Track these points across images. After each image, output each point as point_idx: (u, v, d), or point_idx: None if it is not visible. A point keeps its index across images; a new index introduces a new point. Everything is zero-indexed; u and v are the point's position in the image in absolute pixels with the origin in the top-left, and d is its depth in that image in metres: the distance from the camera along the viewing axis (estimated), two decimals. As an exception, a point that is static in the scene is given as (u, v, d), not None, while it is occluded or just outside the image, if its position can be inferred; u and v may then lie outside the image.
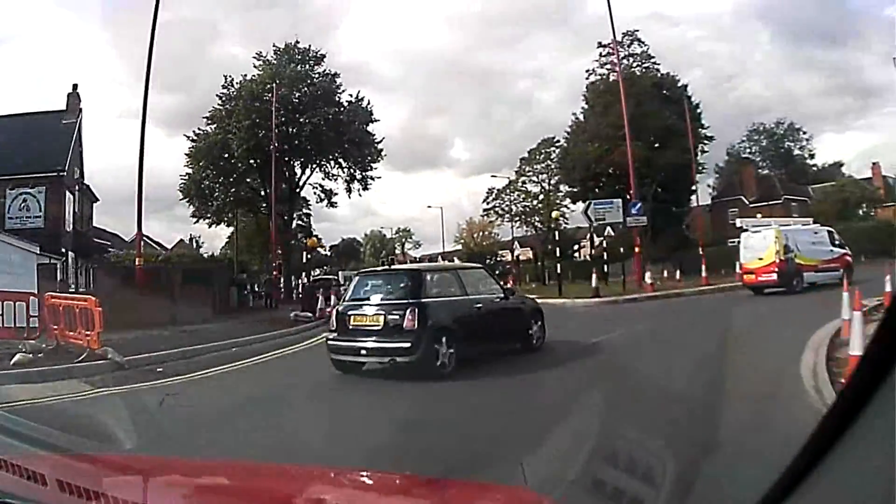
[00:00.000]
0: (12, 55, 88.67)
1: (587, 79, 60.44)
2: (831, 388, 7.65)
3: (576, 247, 67.90)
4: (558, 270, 35.50)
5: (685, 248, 50.31)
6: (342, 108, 52.19)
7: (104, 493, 2.40)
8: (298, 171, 54.67)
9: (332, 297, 33.61)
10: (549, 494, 3.23)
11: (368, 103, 53.90)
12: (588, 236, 62.95)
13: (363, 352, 11.40)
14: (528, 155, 73.21)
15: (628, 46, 56.02)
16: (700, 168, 55.28)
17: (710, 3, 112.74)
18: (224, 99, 51.78)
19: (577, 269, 48.53)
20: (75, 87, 39.60)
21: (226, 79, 52.27)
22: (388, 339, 11.11)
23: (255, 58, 52.96)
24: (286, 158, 50.91)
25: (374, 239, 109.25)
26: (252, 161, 50.08)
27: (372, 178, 55.07)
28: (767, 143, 77.61)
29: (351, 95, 53.56)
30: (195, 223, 55.26)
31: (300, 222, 60.06)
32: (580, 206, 60.01)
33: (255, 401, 10.59)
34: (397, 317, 11.10)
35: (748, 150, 77.57)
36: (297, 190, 55.63)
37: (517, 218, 74.21)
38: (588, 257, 55.52)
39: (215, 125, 51.37)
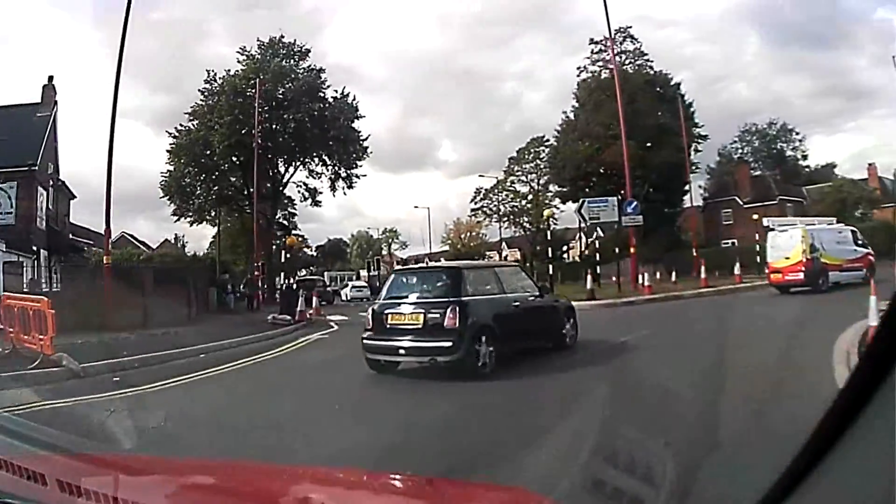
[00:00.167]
0: (4, 55, 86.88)
1: (578, 76, 59.49)
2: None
3: (565, 248, 66.94)
4: (550, 271, 34.25)
5: (677, 250, 49.47)
6: (327, 104, 51.03)
7: (104, 493, 2.35)
8: (282, 168, 53.43)
9: (315, 300, 32.69)
10: (548, 495, 3.29)
11: (354, 99, 52.91)
12: (577, 237, 62.59)
13: (401, 351, 11.17)
14: (517, 154, 72.43)
15: (621, 43, 54.82)
16: (694, 168, 54.48)
17: (698, 5, 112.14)
18: (206, 94, 50.62)
19: (568, 271, 47.57)
20: (51, 78, 38.24)
21: (209, 74, 51.18)
22: (428, 338, 10.87)
23: (238, 52, 51.77)
24: (269, 156, 49.54)
25: (361, 239, 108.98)
26: (234, 158, 48.97)
27: (357, 177, 54.15)
28: (759, 143, 76.91)
29: (336, 91, 52.46)
30: (175, 221, 53.75)
31: (285, 222, 59.05)
32: (570, 206, 59.46)
33: (217, 419, 9.30)
34: (437, 315, 10.83)
35: (740, 151, 77.01)
36: (281, 188, 54.35)
37: (505, 218, 73.42)
38: (577, 258, 54.57)
39: (197, 121, 50.03)
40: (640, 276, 30.03)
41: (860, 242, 26.51)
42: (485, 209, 74.81)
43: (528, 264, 66.92)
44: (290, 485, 3.20)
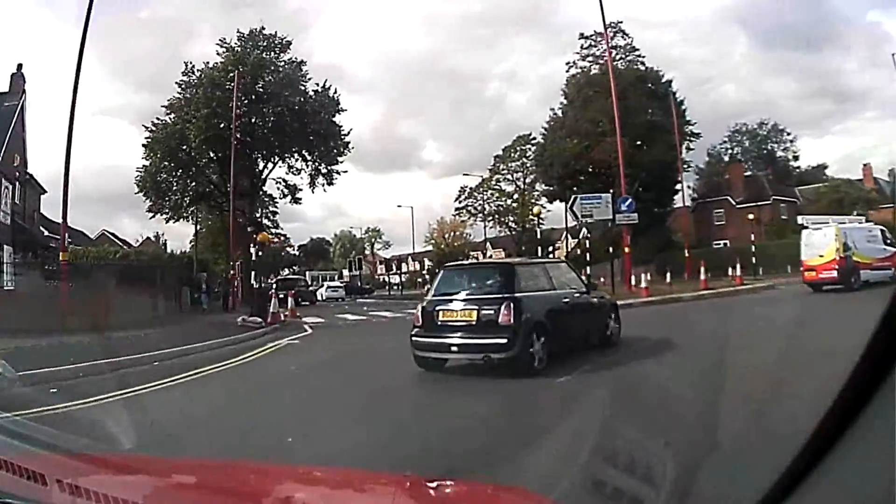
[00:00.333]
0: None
1: (567, 71, 57.91)
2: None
3: (551, 248, 65.65)
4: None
5: (668, 250, 48.35)
6: (307, 97, 49.42)
7: (104, 493, 2.31)
8: (261, 164, 51.66)
9: (291, 300, 31.16)
10: (548, 495, 3.33)
11: (335, 92, 51.21)
12: (564, 237, 61.34)
13: (454, 348, 10.98)
14: (503, 152, 71.37)
15: (612, 38, 53.33)
16: (686, 166, 53.27)
17: (686, 6, 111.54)
18: (183, 86, 48.68)
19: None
20: (20, 66, 36.57)
21: (186, 66, 49.21)
22: (481, 335, 10.65)
23: (218, 44, 49.74)
24: (248, 150, 47.71)
25: (344, 239, 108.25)
26: (211, 153, 47.24)
27: (338, 173, 52.60)
28: (750, 143, 76.11)
29: (317, 84, 50.82)
30: (151, 218, 51.85)
31: (268, 221, 57.45)
32: (555, 206, 58.20)
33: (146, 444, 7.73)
34: (491, 312, 10.63)
35: (730, 151, 76.17)
36: (261, 185, 52.68)
37: (490, 217, 72.13)
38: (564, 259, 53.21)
39: (174, 115, 48.22)
40: (633, 278, 28.68)
41: (889, 241, 26.60)
42: (469, 208, 73.81)
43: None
44: (289, 485, 3.19)
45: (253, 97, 47.48)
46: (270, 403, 9.95)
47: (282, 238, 73.63)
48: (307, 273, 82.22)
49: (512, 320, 10.43)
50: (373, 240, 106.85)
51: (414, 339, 11.48)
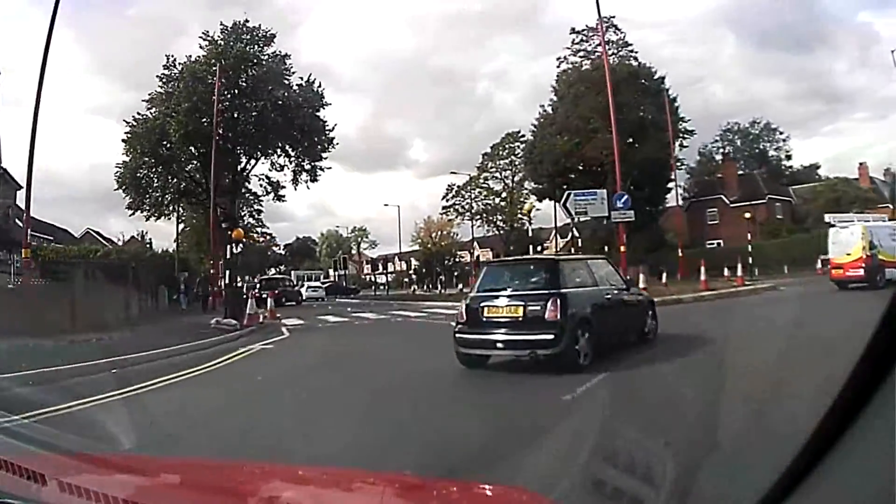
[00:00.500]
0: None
1: (558, 67, 56.41)
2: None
3: (539, 248, 64.67)
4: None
5: (661, 250, 47.45)
6: (292, 92, 48.15)
7: (104, 493, 2.28)
8: (244, 160, 50.24)
9: (270, 301, 29.93)
10: (548, 495, 3.32)
11: (320, 86, 49.94)
12: (552, 236, 60.39)
13: (499, 345, 10.89)
14: (492, 150, 70.29)
15: (605, 32, 52.25)
16: (680, 164, 52.29)
17: (674, 7, 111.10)
18: (165, 80, 47.22)
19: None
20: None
21: (168, 58, 47.68)
22: (528, 331, 10.56)
23: (201, 38, 48.20)
24: (229, 146, 46.45)
25: (331, 238, 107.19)
26: (192, 148, 45.83)
27: (321, 169, 51.16)
28: (742, 143, 75.32)
29: (302, 79, 49.55)
30: (131, 216, 50.34)
31: (251, 219, 56.40)
32: (544, 204, 57.09)
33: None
34: (538, 308, 10.55)
35: (721, 151, 75.19)
36: (245, 181, 51.39)
37: (478, 216, 70.97)
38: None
39: (154, 108, 46.81)
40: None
41: None
42: (457, 207, 72.59)
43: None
44: (289, 485, 3.17)
45: (235, 91, 46.27)
46: (228, 427, 8.29)
47: (268, 237, 72.61)
48: (293, 272, 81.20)
49: (559, 316, 10.38)
50: (359, 239, 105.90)
51: (458, 335, 11.42)
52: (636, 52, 53.80)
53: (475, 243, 69.34)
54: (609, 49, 51.24)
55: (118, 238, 66.52)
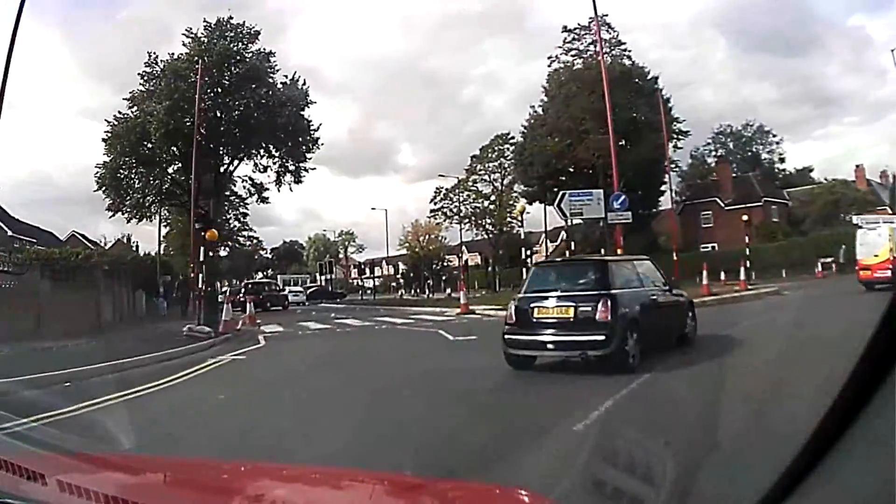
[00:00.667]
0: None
1: (549, 66, 55.32)
2: None
3: (529, 252, 63.70)
4: (524, 275, 30.50)
5: (655, 253, 46.46)
6: (276, 90, 46.91)
7: (104, 493, 2.27)
8: (226, 160, 48.82)
9: (250, 306, 28.66)
10: (548, 495, 3.43)
11: (305, 84, 48.55)
12: (542, 240, 59.32)
13: (549, 346, 10.99)
14: (480, 153, 69.04)
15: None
16: (674, 166, 51.41)
17: (664, 10, 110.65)
18: (146, 78, 45.91)
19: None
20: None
21: (149, 55, 46.28)
22: (578, 331, 10.61)
23: (184, 35, 46.83)
24: (212, 145, 45.00)
25: (318, 242, 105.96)
26: (174, 148, 44.50)
27: (306, 170, 49.90)
28: (734, 145, 74.67)
29: (286, 77, 48.22)
30: (111, 217, 48.90)
31: (236, 222, 55.58)
32: (534, 207, 55.98)
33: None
34: (588, 308, 10.61)
35: (713, 153, 74.71)
36: (229, 183, 50.13)
37: (467, 220, 69.78)
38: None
39: (135, 107, 45.47)
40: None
41: None
42: (445, 210, 71.36)
43: (490, 268, 64.15)
44: (289, 485, 3.16)
45: (218, 90, 44.84)
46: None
47: (254, 241, 71.26)
48: (279, 277, 79.99)
49: (609, 317, 10.41)
50: (346, 243, 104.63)
51: (507, 336, 11.36)
52: (629, 52, 52.98)
53: (463, 247, 68.16)
54: (601, 48, 50.48)
55: (101, 239, 65.24)
